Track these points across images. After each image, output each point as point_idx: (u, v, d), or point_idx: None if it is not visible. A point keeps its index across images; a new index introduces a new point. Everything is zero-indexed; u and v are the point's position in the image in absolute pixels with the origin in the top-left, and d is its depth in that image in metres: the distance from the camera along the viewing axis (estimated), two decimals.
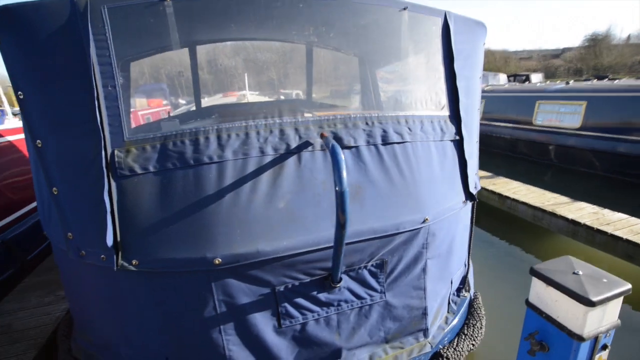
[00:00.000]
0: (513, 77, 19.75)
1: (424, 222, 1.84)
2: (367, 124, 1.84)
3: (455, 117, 2.15)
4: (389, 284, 1.90)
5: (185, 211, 1.55)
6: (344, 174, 1.30)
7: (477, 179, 2.48)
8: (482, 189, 5.50)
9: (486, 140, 10.29)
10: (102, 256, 1.52)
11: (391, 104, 3.64)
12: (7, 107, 6.00)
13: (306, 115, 1.80)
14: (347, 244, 1.62)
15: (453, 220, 2.11)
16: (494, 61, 44.14)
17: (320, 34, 2.33)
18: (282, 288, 1.67)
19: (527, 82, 15.81)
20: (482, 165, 8.52)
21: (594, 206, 4.45)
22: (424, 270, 1.97)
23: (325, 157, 1.73)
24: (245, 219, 1.56)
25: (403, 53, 2.40)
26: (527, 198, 4.91)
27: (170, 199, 1.54)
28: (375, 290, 1.87)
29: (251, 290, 1.63)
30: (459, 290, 2.43)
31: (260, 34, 2.92)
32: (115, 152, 1.51)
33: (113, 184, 1.51)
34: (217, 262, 1.50)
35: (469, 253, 2.51)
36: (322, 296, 1.75)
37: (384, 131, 1.85)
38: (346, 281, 1.79)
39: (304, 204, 1.65)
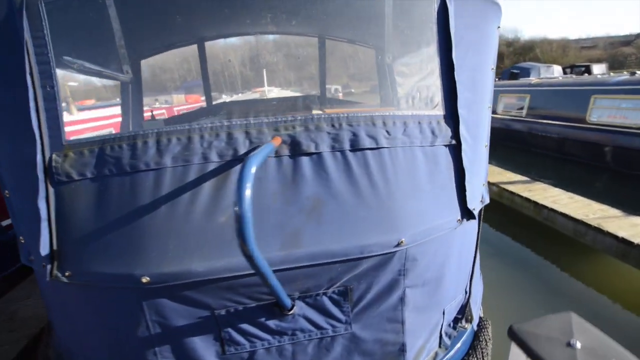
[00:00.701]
0: (570, 68, 17.77)
1: (398, 245, 1.52)
2: (333, 126, 1.55)
3: (452, 116, 1.76)
4: (357, 314, 1.61)
5: (119, 222, 1.42)
6: (247, 192, 1.05)
7: (486, 190, 2.09)
8: (516, 195, 4.89)
9: (530, 140, 9.31)
10: (43, 264, 1.45)
11: (370, 101, 3.27)
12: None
13: (262, 117, 1.57)
14: (298, 267, 1.40)
15: (444, 242, 1.75)
16: (550, 51, 40.21)
17: (280, 20, 2.08)
18: (223, 312, 1.47)
19: (586, 74, 14.12)
20: (521, 168, 7.74)
21: None
22: (401, 300, 1.65)
23: (279, 165, 1.50)
24: (180, 235, 1.39)
25: (388, 40, 2.06)
26: (569, 208, 4.25)
27: (106, 208, 1.43)
28: (338, 320, 1.59)
29: (188, 313, 1.46)
30: (456, 321, 2.07)
31: (269, 27, 2.74)
32: (53, 156, 1.42)
33: (51, 189, 1.43)
34: (144, 280, 1.34)
35: (471, 278, 2.13)
36: (273, 323, 1.53)
37: (354, 135, 1.55)
38: (302, 308, 1.55)
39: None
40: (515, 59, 44.13)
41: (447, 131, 1.75)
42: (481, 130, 2.00)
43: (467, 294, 2.11)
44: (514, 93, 10.22)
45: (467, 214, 1.81)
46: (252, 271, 1.38)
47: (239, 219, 1.01)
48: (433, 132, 1.72)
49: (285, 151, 1.53)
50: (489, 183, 5.42)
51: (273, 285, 1.28)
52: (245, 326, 1.52)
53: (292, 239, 1.45)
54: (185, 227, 1.39)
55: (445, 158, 1.76)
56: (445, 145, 1.75)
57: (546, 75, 13.14)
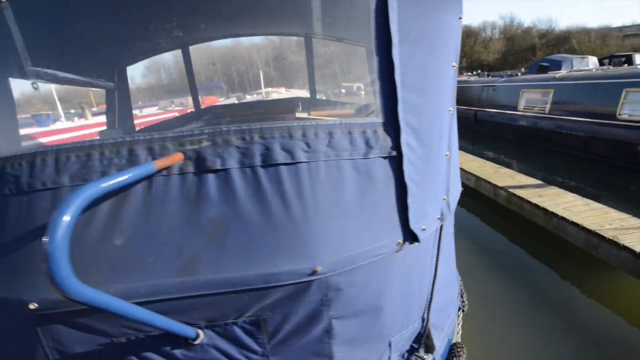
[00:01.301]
0: (609, 59, 16.35)
1: (312, 274, 1.35)
2: (243, 139, 1.38)
3: (392, 124, 1.54)
4: (275, 346, 1.44)
5: (13, 243, 1.35)
6: (64, 219, 0.89)
7: (446, 206, 1.81)
8: (525, 201, 4.46)
9: (553, 139, 8.62)
10: None
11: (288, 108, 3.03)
12: (60, 111, 6.72)
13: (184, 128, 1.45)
14: (196, 296, 1.27)
15: (380, 268, 1.52)
16: (588, 42, 37.36)
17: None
18: (123, 339, 1.35)
19: (626, 65, 12.95)
20: (544, 169, 7.15)
21: None
22: (327, 332, 1.46)
23: (182, 184, 1.35)
24: (73, 258, 1.29)
25: (314, 38, 1.87)
26: (582, 217, 3.80)
27: (4, 229, 1.36)
28: (254, 351, 1.42)
29: (87, 339, 1.35)
30: (411, 351, 1.83)
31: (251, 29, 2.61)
32: None
33: None
34: (32, 307, 1.25)
35: (430, 302, 1.87)
36: (180, 353, 1.39)
37: (266, 148, 1.40)
38: (212, 338, 1.39)
39: (147, 241, 1.31)
40: (548, 51, 41.52)
41: (386, 141, 1.52)
42: (438, 137, 1.75)
43: (425, 321, 1.86)
44: (537, 88, 9.50)
45: (410, 235, 1.57)
46: (151, 298, 1.26)
47: (47, 256, 0.86)
48: (367, 143, 1.50)
49: (190, 168, 1.38)
50: (497, 187, 5.01)
51: (140, 319, 1.14)
52: (150, 355, 1.40)
53: (190, 265, 1.31)
54: (78, 251, 1.28)
55: (383, 172, 1.53)
56: (384, 157, 1.52)
57: (579, 68, 12.11)
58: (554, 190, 4.72)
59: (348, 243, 1.43)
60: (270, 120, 1.44)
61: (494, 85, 11.43)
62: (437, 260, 1.83)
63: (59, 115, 6.73)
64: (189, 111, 4.74)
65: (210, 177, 1.35)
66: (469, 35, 71.36)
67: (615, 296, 3.24)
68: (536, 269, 3.83)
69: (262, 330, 1.40)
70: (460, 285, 2.92)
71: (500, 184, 5.19)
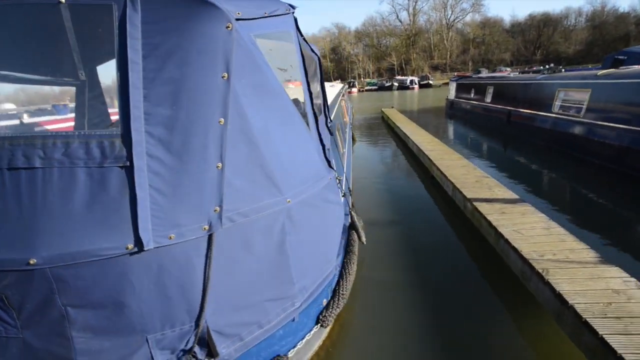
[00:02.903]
0: None
1: (27, 264, 1.55)
2: (2, 145, 1.66)
3: (127, 135, 1.65)
4: (24, 321, 1.66)
5: None
6: None
7: (217, 217, 1.84)
8: (484, 218, 3.95)
9: (587, 147, 7.42)
10: None
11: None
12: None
13: None
14: None
15: (113, 267, 1.64)
16: None
17: None
18: None
19: None
20: (569, 183, 6.32)
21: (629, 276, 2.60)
22: (64, 317, 1.65)
23: None
24: None
25: (72, 55, 2.07)
26: (528, 242, 3.25)
27: None
28: (7, 323, 1.67)
29: None
30: (188, 352, 1.86)
31: None
32: None
33: None
34: None
35: (201, 308, 1.85)
36: None
37: (12, 154, 1.63)
38: None
39: None
40: None
41: (123, 151, 1.64)
42: (201, 149, 1.78)
43: (197, 327, 1.86)
44: (573, 87, 8.16)
45: (138, 242, 1.60)
46: None
47: None
48: (103, 153, 1.64)
49: None
50: (466, 199, 4.52)
51: None
52: None
53: None
54: None
55: (118, 180, 1.65)
56: (121, 167, 1.64)
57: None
58: (523, 208, 4.09)
59: (71, 241, 1.58)
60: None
61: (531, 82, 10.09)
62: (206, 267, 1.82)
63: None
64: None
65: None
66: (547, 24, 63.44)
67: (537, 339, 2.75)
68: (473, 293, 3.39)
69: (8, 306, 1.64)
70: (327, 302, 2.77)
71: (470, 195, 4.65)
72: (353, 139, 11.87)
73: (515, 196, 4.50)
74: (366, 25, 76.42)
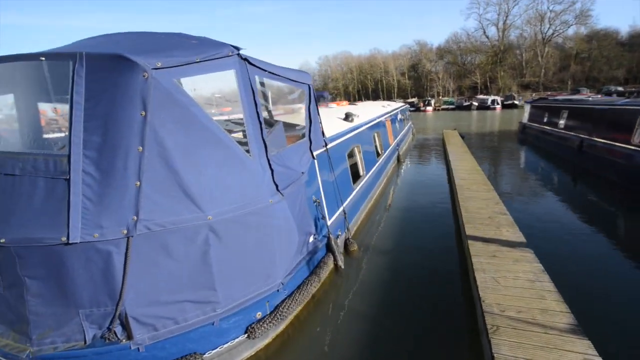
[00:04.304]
0: None
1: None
2: None
3: (69, 157, 2.21)
4: (3, 282, 2.38)
5: None
6: None
7: (133, 225, 2.30)
8: (469, 260, 3.57)
9: (625, 174, 6.03)
10: None
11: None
12: None
13: None
14: None
15: (53, 253, 2.22)
16: None
17: None
18: None
19: None
20: (614, 233, 5.20)
21: None
22: (23, 284, 2.29)
23: None
24: None
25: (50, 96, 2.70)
26: (496, 293, 2.85)
27: None
28: None
29: None
30: (109, 330, 2.36)
31: None
32: None
33: None
34: None
35: (119, 297, 2.33)
36: None
37: (2, 163, 2.34)
38: None
39: None
40: None
41: (66, 168, 2.25)
42: (122, 169, 2.29)
43: (116, 310, 2.34)
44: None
45: (69, 236, 2.21)
46: None
47: None
48: (55, 168, 2.26)
49: None
50: (465, 235, 4.13)
51: None
52: None
53: None
54: None
55: (61, 189, 2.24)
56: (65, 179, 2.24)
57: None
58: (520, 254, 3.56)
59: (27, 229, 2.22)
60: None
61: (609, 107, 8.54)
62: (125, 263, 2.30)
63: None
64: None
65: None
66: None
67: None
68: (428, 338, 3.09)
69: None
70: (262, 316, 2.90)
71: (471, 232, 4.22)
72: (398, 160, 11.52)
73: (521, 239, 3.94)
74: (450, 42, 73.08)
